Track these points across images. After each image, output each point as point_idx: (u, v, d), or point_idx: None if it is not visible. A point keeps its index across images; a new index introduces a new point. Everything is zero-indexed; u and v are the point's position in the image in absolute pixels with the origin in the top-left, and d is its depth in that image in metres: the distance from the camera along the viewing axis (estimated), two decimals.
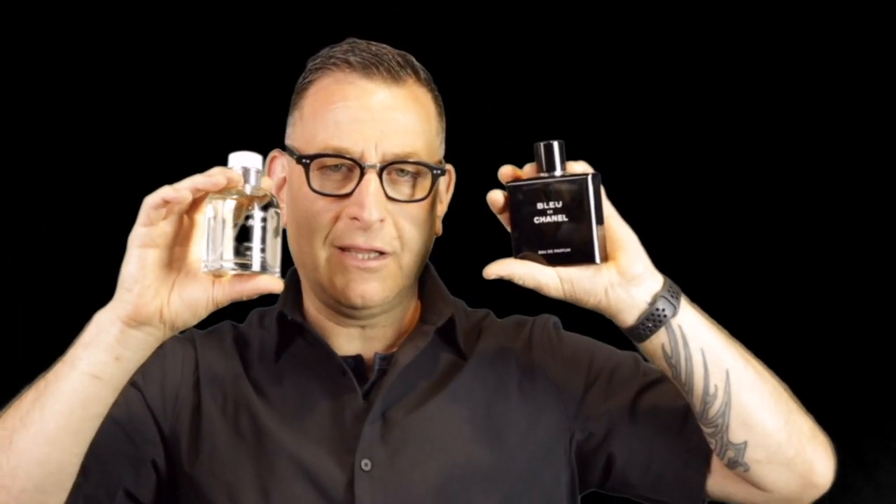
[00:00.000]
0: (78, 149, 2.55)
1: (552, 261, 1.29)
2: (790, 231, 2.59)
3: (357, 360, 1.47)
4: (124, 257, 1.21)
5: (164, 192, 1.19)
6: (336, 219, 1.40)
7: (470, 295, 1.58)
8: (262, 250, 1.22)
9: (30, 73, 2.53)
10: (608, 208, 1.29)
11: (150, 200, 1.19)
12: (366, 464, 1.41)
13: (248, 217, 1.21)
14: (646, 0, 2.57)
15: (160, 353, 1.44)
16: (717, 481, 1.41)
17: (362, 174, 1.39)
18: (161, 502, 1.46)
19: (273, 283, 1.22)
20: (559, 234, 1.28)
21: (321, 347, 1.47)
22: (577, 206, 1.27)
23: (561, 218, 1.28)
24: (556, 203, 1.28)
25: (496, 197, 1.31)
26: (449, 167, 1.52)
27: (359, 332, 1.49)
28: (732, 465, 1.35)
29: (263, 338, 1.51)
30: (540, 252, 1.29)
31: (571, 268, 1.28)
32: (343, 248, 1.41)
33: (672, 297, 1.30)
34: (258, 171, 1.24)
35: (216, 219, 1.21)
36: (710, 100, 2.58)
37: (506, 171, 1.31)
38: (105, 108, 2.55)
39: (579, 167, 1.29)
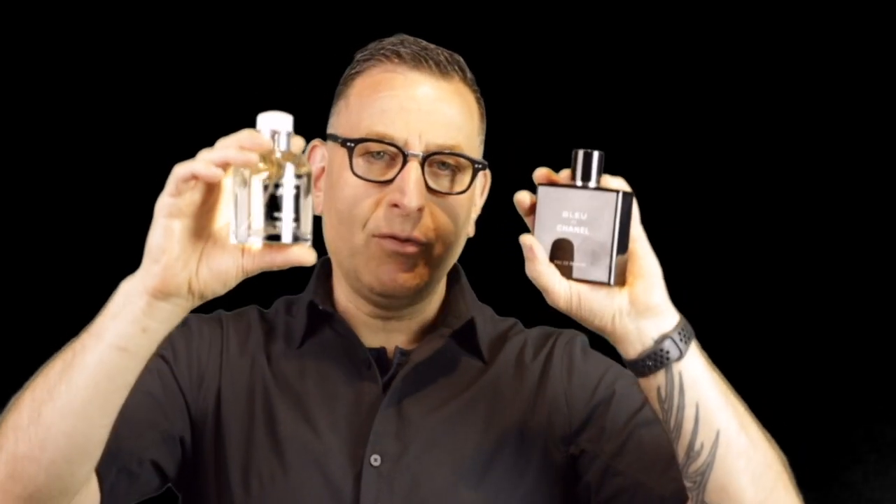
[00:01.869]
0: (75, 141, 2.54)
1: (565, 273, 1.24)
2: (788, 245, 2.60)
3: (380, 352, 1.48)
4: (151, 227, 1.17)
5: (196, 167, 1.13)
6: (376, 206, 1.42)
7: (496, 299, 1.59)
8: (294, 220, 1.16)
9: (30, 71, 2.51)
10: (637, 231, 1.24)
11: (180, 172, 1.14)
12: (375, 459, 1.41)
13: (277, 184, 1.15)
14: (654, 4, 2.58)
15: (188, 332, 1.49)
16: None
17: (405, 162, 1.41)
18: (182, 478, 1.46)
19: (305, 254, 1.17)
20: (578, 248, 1.23)
21: (349, 338, 1.48)
22: (600, 221, 1.22)
23: (583, 231, 1.23)
24: (582, 215, 1.23)
25: (523, 198, 1.26)
26: (486, 171, 1.53)
27: (383, 325, 1.49)
28: None
29: (290, 324, 1.51)
30: (555, 262, 1.24)
31: (583, 284, 1.24)
32: (380, 236, 1.42)
33: (681, 339, 1.24)
34: (289, 134, 1.17)
35: (244, 186, 1.15)
36: (715, 102, 2.59)
37: (540, 173, 1.26)
38: (103, 100, 2.54)
39: (615, 182, 1.24)
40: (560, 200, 1.24)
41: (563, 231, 1.24)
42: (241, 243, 1.16)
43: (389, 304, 1.48)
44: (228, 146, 1.14)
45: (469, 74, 1.50)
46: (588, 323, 1.25)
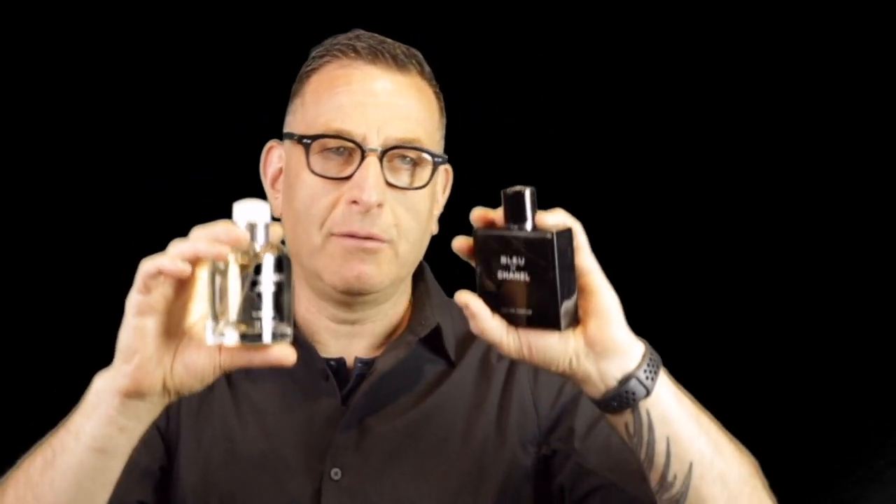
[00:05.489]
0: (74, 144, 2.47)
1: (513, 321, 1.15)
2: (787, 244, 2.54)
3: (339, 362, 1.45)
4: (122, 324, 1.11)
5: (162, 262, 1.08)
6: (334, 204, 1.39)
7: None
8: (274, 317, 1.09)
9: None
10: (588, 263, 1.15)
11: (146, 268, 1.08)
12: (336, 473, 1.39)
13: (255, 280, 1.08)
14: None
15: None
16: None
17: (363, 157, 1.38)
18: (161, 500, 1.44)
19: (286, 354, 1.11)
20: (521, 294, 1.14)
21: (306, 349, 1.43)
22: (540, 266, 1.12)
23: (524, 277, 1.13)
24: (520, 260, 1.13)
25: (460, 244, 1.17)
26: (447, 167, 1.51)
27: (346, 330, 1.46)
28: None
29: None
30: (502, 310, 1.15)
31: (534, 332, 1.15)
32: (339, 235, 1.39)
33: (647, 377, 1.16)
34: (267, 224, 1.11)
35: (219, 281, 1.08)
36: (713, 99, 2.53)
37: (476, 215, 1.16)
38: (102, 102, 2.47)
39: (552, 219, 1.13)
40: (497, 245, 1.14)
41: (504, 277, 1.14)
42: (216, 343, 1.10)
43: (354, 303, 1.44)
44: (200, 238, 1.08)
45: (427, 69, 1.47)
46: (545, 368, 1.17)
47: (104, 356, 1.16)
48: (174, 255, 1.08)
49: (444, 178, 1.51)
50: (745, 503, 1.22)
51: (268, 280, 1.09)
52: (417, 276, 1.52)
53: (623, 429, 1.19)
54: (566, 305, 1.14)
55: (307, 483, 1.39)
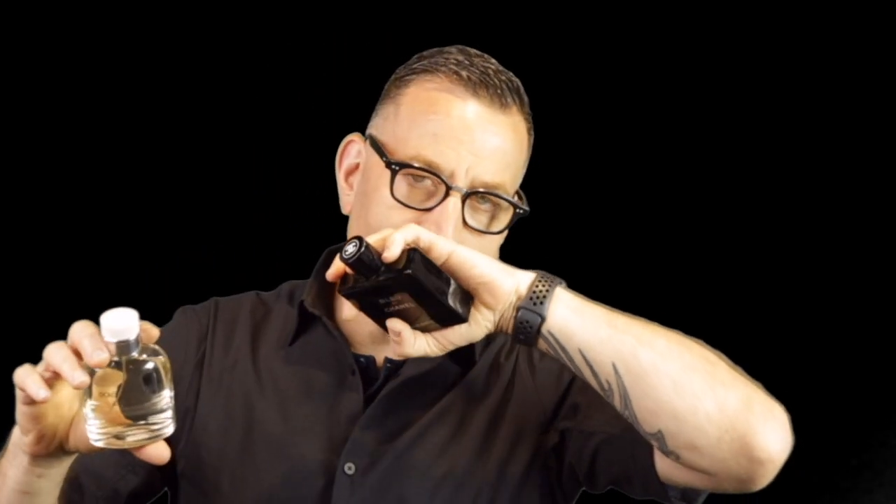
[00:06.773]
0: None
1: (427, 331, 1.28)
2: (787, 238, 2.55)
3: (369, 360, 1.45)
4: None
5: (26, 383, 1.12)
6: None
7: None
8: (144, 422, 1.12)
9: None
10: (444, 251, 1.25)
11: (17, 380, 1.13)
12: (349, 467, 1.39)
13: (127, 385, 1.10)
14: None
15: (170, 327, 1.48)
16: (666, 470, 1.32)
17: (447, 194, 1.36)
18: (165, 483, 1.47)
19: (159, 454, 1.16)
20: (418, 313, 1.25)
21: (338, 342, 1.45)
22: (416, 293, 1.23)
23: (410, 304, 1.24)
24: (397, 296, 1.24)
25: (348, 310, 1.29)
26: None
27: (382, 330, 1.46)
28: (665, 453, 1.28)
29: (287, 317, 1.49)
30: (413, 327, 1.27)
31: (446, 330, 1.28)
32: None
33: (535, 303, 1.25)
34: (138, 336, 1.10)
35: (91, 389, 1.11)
36: (710, 97, 2.54)
37: (332, 275, 1.26)
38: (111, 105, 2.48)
39: (395, 250, 1.22)
40: (370, 295, 1.25)
41: (396, 309, 1.25)
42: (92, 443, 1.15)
43: None
44: (66, 359, 1.11)
45: (526, 101, 1.44)
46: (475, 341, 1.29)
47: None
48: (40, 374, 1.12)
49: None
50: (697, 391, 1.23)
51: (141, 390, 1.11)
52: None
53: (548, 354, 1.28)
54: (454, 299, 1.25)
55: (320, 475, 1.39)
